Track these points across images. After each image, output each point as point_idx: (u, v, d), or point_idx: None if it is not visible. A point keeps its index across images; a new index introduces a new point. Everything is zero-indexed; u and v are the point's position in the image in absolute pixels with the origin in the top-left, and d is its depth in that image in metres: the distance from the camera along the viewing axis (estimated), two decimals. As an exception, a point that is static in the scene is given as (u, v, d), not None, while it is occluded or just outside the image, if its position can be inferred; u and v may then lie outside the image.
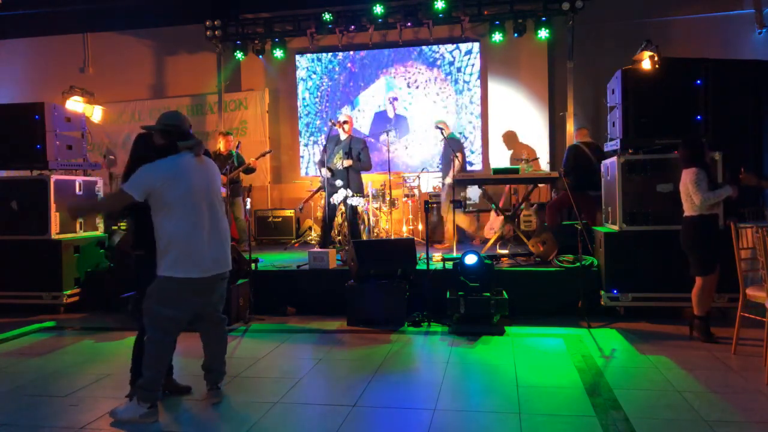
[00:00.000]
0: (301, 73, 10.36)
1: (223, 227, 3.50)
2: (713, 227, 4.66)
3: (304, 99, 10.37)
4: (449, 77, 9.87)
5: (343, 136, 7.12)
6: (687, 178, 4.61)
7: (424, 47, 9.85)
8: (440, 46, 9.82)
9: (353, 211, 7.05)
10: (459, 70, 9.84)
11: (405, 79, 9.99)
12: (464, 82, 9.82)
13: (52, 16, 9.99)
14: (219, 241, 3.44)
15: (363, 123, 10.11)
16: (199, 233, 3.32)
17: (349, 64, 10.19)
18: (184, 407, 3.54)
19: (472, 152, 9.76)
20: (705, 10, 9.01)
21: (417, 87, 9.96)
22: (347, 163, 6.92)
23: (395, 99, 10.03)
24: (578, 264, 5.60)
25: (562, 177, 6.50)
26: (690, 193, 4.58)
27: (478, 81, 9.77)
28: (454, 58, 9.84)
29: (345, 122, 7.17)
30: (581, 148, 7.10)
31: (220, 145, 8.14)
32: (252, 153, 8.32)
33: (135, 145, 3.71)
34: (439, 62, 9.88)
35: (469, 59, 9.80)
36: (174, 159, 3.36)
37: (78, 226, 6.56)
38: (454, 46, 9.80)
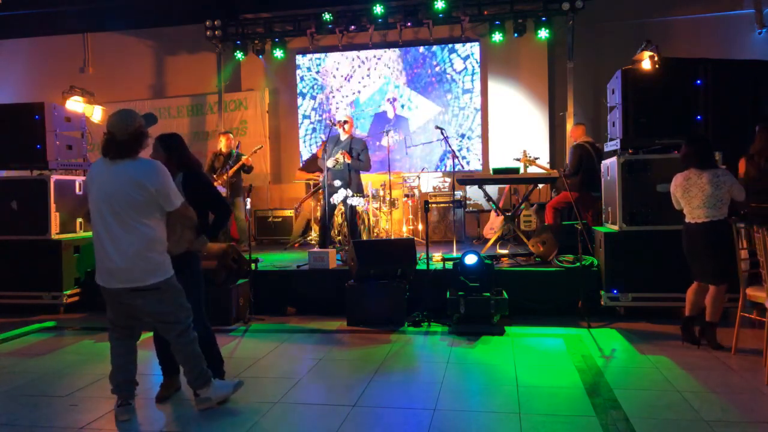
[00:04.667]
0: (301, 73, 10.37)
1: (129, 240, 3.13)
2: (731, 231, 4.47)
3: (303, 99, 10.38)
4: (449, 77, 9.87)
5: (343, 137, 7.12)
6: (723, 180, 4.35)
7: (424, 47, 9.86)
8: (440, 46, 9.82)
9: (352, 211, 7.05)
10: (459, 70, 9.84)
11: (405, 79, 9.99)
12: (464, 82, 9.82)
13: (52, 16, 9.99)
14: (124, 254, 3.13)
15: (363, 123, 10.11)
16: (99, 243, 3.21)
17: (348, 65, 10.19)
18: (184, 407, 3.54)
19: (470, 151, 9.77)
20: (705, 10, 9.02)
21: (417, 87, 9.96)
22: (347, 158, 6.89)
23: (395, 99, 10.03)
24: (578, 264, 5.60)
25: (562, 177, 6.50)
26: (735, 192, 4.36)
27: (478, 81, 9.77)
28: (454, 58, 9.84)
29: (345, 122, 7.16)
30: (586, 148, 7.10)
31: (221, 145, 8.13)
32: (253, 154, 8.32)
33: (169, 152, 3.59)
34: (439, 62, 9.88)
35: (469, 59, 9.80)
36: (92, 165, 3.34)
37: (78, 226, 6.56)
38: (454, 46, 9.80)
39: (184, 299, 3.35)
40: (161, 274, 3.23)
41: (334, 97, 10.27)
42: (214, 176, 7.88)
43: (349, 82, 10.20)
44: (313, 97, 10.36)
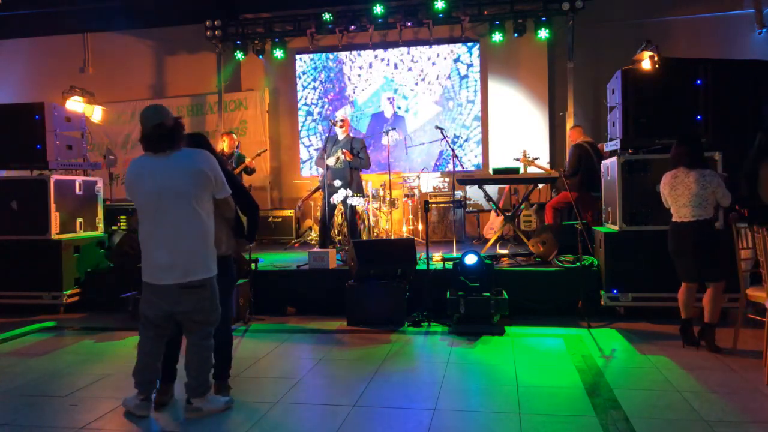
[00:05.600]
0: (300, 73, 10.36)
1: (185, 233, 3.16)
2: (716, 231, 4.48)
3: (303, 99, 10.38)
4: (449, 77, 9.87)
5: (341, 136, 7.14)
6: (709, 180, 4.33)
7: (424, 47, 9.86)
8: (440, 46, 9.82)
9: (352, 211, 7.06)
10: (459, 70, 9.84)
11: (404, 79, 9.99)
12: (464, 82, 9.82)
13: (52, 16, 10.00)
14: (175, 249, 3.15)
15: (361, 123, 10.11)
16: (150, 239, 3.21)
17: (348, 64, 10.19)
18: (184, 407, 3.53)
19: (470, 151, 9.77)
20: (705, 10, 9.02)
21: (416, 87, 9.96)
22: (347, 156, 6.92)
23: (394, 99, 10.03)
24: (578, 264, 5.60)
25: (562, 177, 6.50)
26: (720, 195, 4.34)
27: (478, 81, 9.77)
28: (453, 58, 9.84)
29: (342, 122, 7.19)
30: (585, 148, 7.10)
31: (224, 145, 8.09)
32: (252, 154, 8.32)
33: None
34: (438, 62, 9.88)
35: (469, 59, 9.80)
36: (133, 162, 3.30)
37: (78, 226, 6.56)
38: (454, 46, 9.80)
39: (218, 302, 3.36)
40: (209, 270, 3.26)
41: (333, 97, 10.26)
42: None
43: (349, 81, 10.19)
44: (315, 88, 10.34)
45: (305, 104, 10.38)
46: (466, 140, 9.82)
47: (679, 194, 4.44)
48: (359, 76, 10.15)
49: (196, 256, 3.20)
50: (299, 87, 10.38)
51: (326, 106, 10.29)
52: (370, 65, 10.10)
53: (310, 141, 10.36)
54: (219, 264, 3.39)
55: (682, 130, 5.27)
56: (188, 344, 3.37)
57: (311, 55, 10.28)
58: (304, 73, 10.35)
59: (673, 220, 4.53)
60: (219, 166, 3.32)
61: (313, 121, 10.36)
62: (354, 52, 10.13)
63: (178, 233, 3.16)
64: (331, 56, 10.25)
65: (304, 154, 10.40)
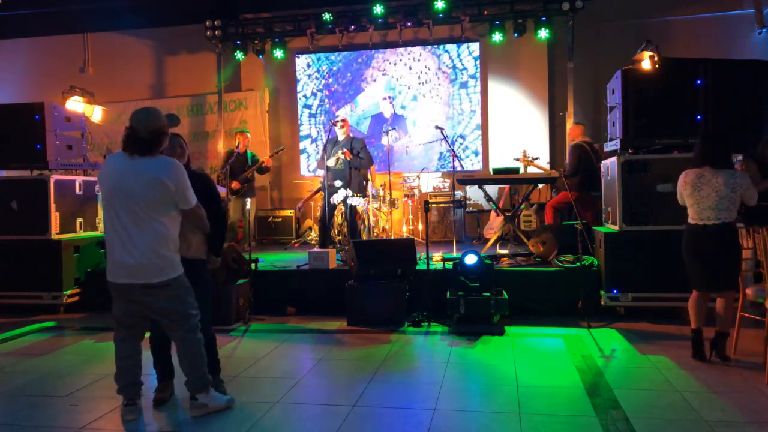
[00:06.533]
0: (301, 73, 10.36)
1: (148, 237, 3.14)
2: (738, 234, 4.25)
3: (304, 99, 10.38)
4: (449, 77, 9.86)
5: (341, 136, 7.15)
6: (740, 182, 4.07)
7: (423, 47, 9.85)
8: (440, 46, 9.82)
9: (352, 211, 7.06)
10: (459, 70, 9.84)
11: (404, 79, 9.98)
12: (464, 82, 9.82)
13: (52, 16, 9.99)
14: (137, 250, 3.13)
15: (362, 123, 10.11)
16: (113, 238, 3.20)
17: (349, 64, 10.19)
18: (182, 409, 3.54)
19: (470, 151, 9.78)
20: (705, 10, 9.02)
21: (416, 87, 9.95)
22: (347, 156, 6.92)
23: (393, 99, 10.02)
24: (578, 264, 5.60)
25: (562, 177, 6.51)
26: (748, 197, 4.08)
27: (478, 81, 9.77)
28: (453, 58, 9.84)
29: (343, 122, 7.19)
30: (584, 148, 7.10)
31: (238, 144, 8.02)
32: (275, 155, 8.31)
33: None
34: (438, 62, 9.88)
35: (469, 59, 9.80)
36: (110, 157, 3.32)
37: (78, 226, 6.57)
38: (454, 46, 9.80)
39: (192, 298, 3.34)
40: (172, 271, 3.23)
41: (333, 97, 10.26)
42: (228, 178, 7.64)
43: (349, 81, 10.19)
44: (317, 78, 10.32)
45: (305, 96, 10.35)
46: (467, 140, 9.81)
47: (705, 195, 4.12)
48: (359, 76, 10.14)
49: (154, 259, 3.16)
50: (302, 78, 10.34)
51: (326, 100, 10.26)
52: (370, 65, 10.08)
53: (309, 131, 10.32)
54: (188, 267, 3.35)
55: (682, 130, 5.27)
56: (176, 343, 3.35)
57: (311, 56, 10.26)
58: (308, 66, 10.33)
59: (692, 222, 4.22)
60: (186, 177, 3.25)
61: (311, 116, 10.33)
62: (354, 53, 10.11)
63: (135, 236, 3.15)
64: (331, 57, 10.23)
65: (306, 153, 10.39)
